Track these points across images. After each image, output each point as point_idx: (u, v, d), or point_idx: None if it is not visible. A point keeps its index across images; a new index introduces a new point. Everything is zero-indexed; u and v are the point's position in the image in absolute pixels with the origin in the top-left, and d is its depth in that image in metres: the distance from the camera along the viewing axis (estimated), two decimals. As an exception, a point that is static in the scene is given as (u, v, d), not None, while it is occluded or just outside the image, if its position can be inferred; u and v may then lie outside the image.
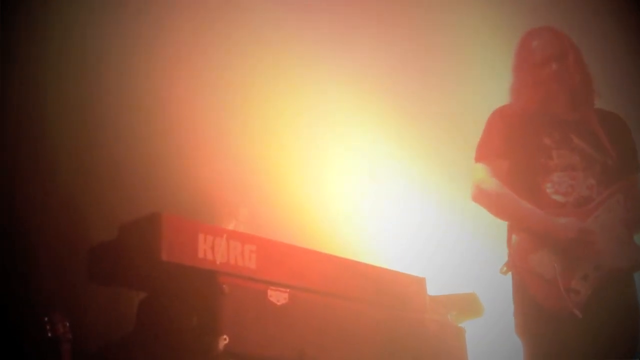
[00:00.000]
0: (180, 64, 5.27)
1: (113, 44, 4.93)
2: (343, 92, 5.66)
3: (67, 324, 3.57)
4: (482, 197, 3.24)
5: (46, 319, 3.58)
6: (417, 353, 3.94)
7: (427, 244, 5.74)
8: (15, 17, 4.56)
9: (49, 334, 3.53)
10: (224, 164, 5.32)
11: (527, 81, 3.27)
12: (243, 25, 5.48)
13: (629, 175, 3.26)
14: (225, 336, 3.19)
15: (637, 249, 3.13)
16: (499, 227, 3.34)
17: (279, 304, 3.46)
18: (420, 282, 4.21)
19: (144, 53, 5.05)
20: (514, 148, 3.22)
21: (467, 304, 4.47)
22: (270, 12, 5.53)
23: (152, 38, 5.07)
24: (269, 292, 3.44)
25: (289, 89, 5.60)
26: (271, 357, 3.41)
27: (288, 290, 3.51)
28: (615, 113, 3.40)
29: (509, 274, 3.19)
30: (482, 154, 3.29)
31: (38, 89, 4.70)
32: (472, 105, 3.46)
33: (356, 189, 5.86)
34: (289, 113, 5.60)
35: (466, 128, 3.41)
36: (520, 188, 3.17)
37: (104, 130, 4.98)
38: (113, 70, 4.91)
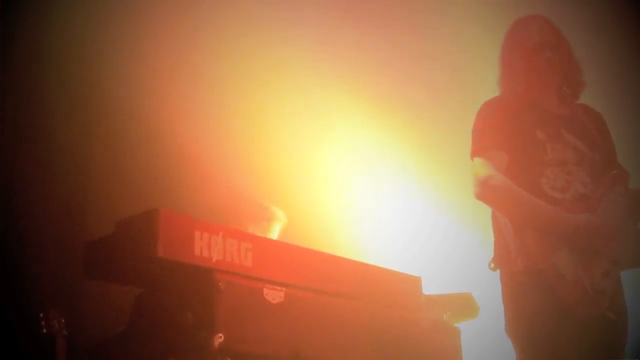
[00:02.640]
0: (179, 62, 5.28)
1: (112, 41, 4.94)
2: (341, 91, 5.67)
3: (63, 320, 3.58)
4: (489, 193, 3.04)
5: (42, 315, 3.58)
6: (412, 352, 3.94)
7: (423, 243, 5.74)
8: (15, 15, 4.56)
9: (45, 330, 3.54)
10: (220, 161, 5.33)
11: (518, 68, 3.18)
12: (242, 23, 5.49)
13: (618, 169, 3.21)
14: (220, 334, 3.18)
15: None
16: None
17: (274, 302, 3.46)
18: (415, 281, 4.21)
19: (143, 51, 5.05)
20: (509, 141, 3.11)
21: (463, 304, 4.47)
22: (270, 10, 5.54)
23: (152, 36, 5.08)
24: (265, 290, 3.44)
25: (287, 87, 5.60)
26: (267, 355, 3.41)
27: (284, 288, 3.50)
28: (596, 110, 3.36)
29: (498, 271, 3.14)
30: (480, 147, 3.14)
31: (37, 87, 4.71)
32: (469, 102, 3.43)
33: (353, 188, 5.86)
34: (287, 111, 5.60)
35: (464, 125, 3.36)
36: (518, 183, 3.04)
37: (101, 126, 4.99)
38: (111, 67, 4.92)
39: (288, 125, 5.56)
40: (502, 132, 3.13)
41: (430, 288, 4.35)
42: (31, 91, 4.68)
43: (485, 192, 3.07)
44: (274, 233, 4.72)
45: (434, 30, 5.67)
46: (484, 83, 3.53)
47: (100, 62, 4.90)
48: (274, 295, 3.46)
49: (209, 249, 3.29)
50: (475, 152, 3.16)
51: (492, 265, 3.13)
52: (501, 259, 3.12)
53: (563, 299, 2.93)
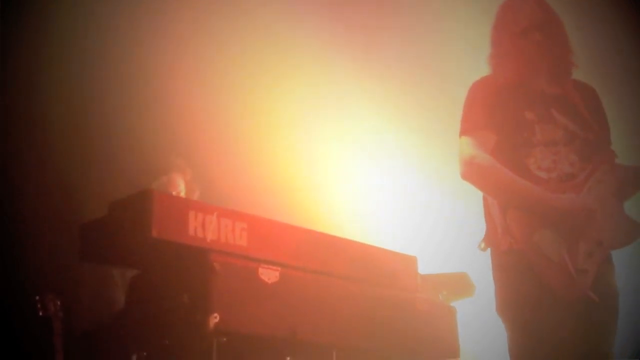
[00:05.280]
0: (179, 58, 5.29)
1: (110, 32, 4.94)
2: (337, 73, 5.67)
3: (59, 303, 3.59)
4: (475, 173, 3.02)
5: (38, 298, 3.59)
6: (408, 332, 3.95)
7: (419, 223, 5.76)
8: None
9: (41, 313, 3.55)
10: (216, 146, 5.33)
11: (508, 50, 3.15)
12: (244, 18, 5.48)
13: (607, 149, 3.22)
14: (215, 314, 3.18)
15: (632, 222, 3.05)
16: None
17: (270, 282, 3.45)
18: (411, 260, 4.22)
19: (144, 49, 5.06)
20: (498, 121, 3.09)
21: (458, 284, 4.48)
22: (271, 5, 5.53)
23: (153, 33, 5.09)
24: (260, 270, 3.43)
25: (281, 68, 5.60)
26: (262, 335, 3.41)
27: (279, 268, 3.49)
28: (589, 85, 3.34)
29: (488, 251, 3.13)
30: (468, 127, 3.12)
31: (36, 73, 4.71)
32: (463, 80, 3.41)
33: (349, 168, 5.87)
34: (281, 92, 5.61)
35: (458, 104, 3.35)
36: (505, 163, 3.02)
37: (96, 110, 4.99)
38: (111, 63, 4.93)
39: (281, 104, 5.56)
40: (490, 112, 3.10)
41: (425, 268, 4.36)
42: (30, 76, 4.68)
43: (469, 171, 3.05)
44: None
45: (424, 12, 5.66)
46: (476, 59, 3.51)
47: (99, 57, 4.90)
48: (269, 275, 3.45)
49: (203, 229, 3.28)
50: (463, 132, 3.14)
51: (483, 245, 3.12)
52: (490, 239, 3.11)
53: (545, 280, 2.91)
